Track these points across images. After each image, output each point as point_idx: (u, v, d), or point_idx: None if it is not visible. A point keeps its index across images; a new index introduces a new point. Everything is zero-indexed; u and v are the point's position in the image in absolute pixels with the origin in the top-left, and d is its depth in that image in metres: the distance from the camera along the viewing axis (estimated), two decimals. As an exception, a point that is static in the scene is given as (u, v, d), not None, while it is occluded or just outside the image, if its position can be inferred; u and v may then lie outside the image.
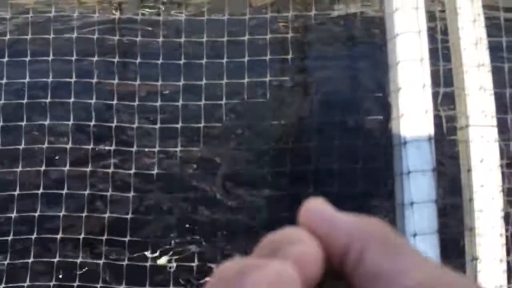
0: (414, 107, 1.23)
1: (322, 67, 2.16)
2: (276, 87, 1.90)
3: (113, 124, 1.56)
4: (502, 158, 1.38)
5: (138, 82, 1.52)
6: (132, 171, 1.68)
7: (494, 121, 1.40)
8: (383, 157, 1.37)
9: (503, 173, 1.38)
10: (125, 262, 1.59)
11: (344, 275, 0.23)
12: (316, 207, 0.24)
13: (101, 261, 1.69)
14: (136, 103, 1.56)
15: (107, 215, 1.70)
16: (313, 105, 2.10)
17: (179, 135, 1.63)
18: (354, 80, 2.11)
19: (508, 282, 1.37)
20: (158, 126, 1.60)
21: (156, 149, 1.66)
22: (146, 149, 1.69)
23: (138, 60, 1.53)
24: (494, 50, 1.32)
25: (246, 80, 1.54)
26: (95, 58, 1.57)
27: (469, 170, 1.37)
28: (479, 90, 1.32)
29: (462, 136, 1.42)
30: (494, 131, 1.39)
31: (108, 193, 1.71)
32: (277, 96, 1.81)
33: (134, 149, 1.68)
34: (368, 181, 1.67)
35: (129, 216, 1.69)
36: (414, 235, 1.19)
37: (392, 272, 0.21)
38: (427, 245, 1.20)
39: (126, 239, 1.65)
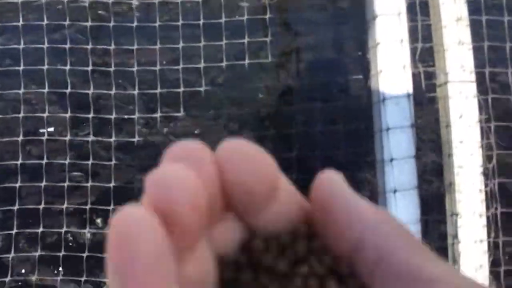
0: (392, 62, 1.23)
1: (305, 32, 2.13)
2: (255, 53, 1.88)
3: (90, 91, 1.52)
4: (481, 113, 1.39)
5: (113, 46, 1.48)
6: (112, 139, 1.66)
7: (472, 77, 1.40)
8: (365, 117, 1.36)
9: (482, 128, 1.38)
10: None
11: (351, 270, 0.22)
12: (331, 185, 0.22)
13: (86, 230, 1.69)
14: (112, 68, 1.52)
15: (89, 184, 1.69)
16: (295, 69, 2.08)
17: (158, 101, 1.61)
18: (337, 42, 2.09)
19: (488, 237, 1.39)
20: (136, 92, 1.57)
21: (136, 116, 1.64)
22: (126, 116, 1.66)
23: (112, 24, 1.49)
24: (472, 3, 1.31)
25: (224, 42, 1.51)
26: (67, 22, 1.53)
27: (447, 126, 1.38)
28: (458, 44, 1.32)
29: (441, 92, 1.42)
30: (473, 87, 1.39)
31: (89, 162, 1.69)
32: (257, 62, 1.79)
33: (113, 116, 1.65)
34: (351, 141, 1.67)
35: (111, 185, 1.68)
36: (395, 191, 1.19)
37: (424, 277, 0.20)
38: (407, 201, 1.20)
39: (110, 207, 1.64)
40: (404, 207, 1.19)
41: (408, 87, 1.22)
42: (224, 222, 0.22)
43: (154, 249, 0.18)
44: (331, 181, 0.23)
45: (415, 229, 1.20)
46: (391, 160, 1.19)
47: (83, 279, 1.56)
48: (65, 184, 1.62)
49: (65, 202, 1.63)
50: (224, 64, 1.68)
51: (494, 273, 1.34)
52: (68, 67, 1.54)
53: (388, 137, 1.20)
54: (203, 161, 0.21)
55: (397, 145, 1.20)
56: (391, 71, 1.22)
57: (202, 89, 1.73)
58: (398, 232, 0.22)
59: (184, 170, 0.19)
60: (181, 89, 1.61)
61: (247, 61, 1.68)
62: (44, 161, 1.64)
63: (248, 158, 0.21)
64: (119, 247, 0.18)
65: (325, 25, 2.05)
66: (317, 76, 1.95)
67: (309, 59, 2.00)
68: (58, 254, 1.59)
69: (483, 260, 1.37)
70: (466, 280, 0.21)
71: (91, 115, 1.62)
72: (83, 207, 1.64)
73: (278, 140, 1.85)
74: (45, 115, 1.61)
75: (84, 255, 1.57)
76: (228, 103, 1.87)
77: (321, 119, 1.78)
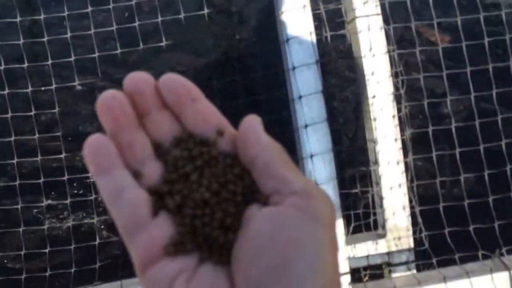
0: (293, 3, 1.28)
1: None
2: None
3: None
4: (389, 44, 1.46)
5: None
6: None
7: (378, 10, 1.46)
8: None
9: (391, 57, 1.46)
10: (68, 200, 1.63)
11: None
12: (250, 126, 0.35)
13: (67, 201, 1.69)
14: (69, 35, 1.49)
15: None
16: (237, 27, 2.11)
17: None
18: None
19: (405, 157, 1.49)
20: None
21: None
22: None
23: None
24: None
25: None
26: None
27: (360, 58, 1.45)
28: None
29: (351, 28, 1.48)
30: (379, 19, 1.45)
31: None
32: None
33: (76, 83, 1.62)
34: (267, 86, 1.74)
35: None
36: (306, 126, 1.27)
37: (285, 179, 0.32)
38: (319, 134, 1.29)
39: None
40: (316, 140, 1.27)
41: (310, 25, 1.28)
42: (161, 115, 0.36)
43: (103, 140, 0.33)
44: (251, 120, 0.35)
45: (328, 158, 1.28)
46: (300, 97, 1.27)
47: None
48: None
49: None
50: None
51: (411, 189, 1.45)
52: None
53: (295, 76, 1.27)
54: (148, 78, 0.36)
55: (305, 82, 1.27)
56: (292, 11, 1.27)
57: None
58: (280, 154, 0.34)
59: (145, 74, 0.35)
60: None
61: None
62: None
63: (178, 78, 0.35)
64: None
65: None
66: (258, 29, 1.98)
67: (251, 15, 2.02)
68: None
69: (402, 179, 1.48)
70: (310, 183, 0.33)
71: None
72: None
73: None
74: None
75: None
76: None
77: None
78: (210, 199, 0.32)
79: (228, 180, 0.33)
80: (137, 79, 0.35)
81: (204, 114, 0.36)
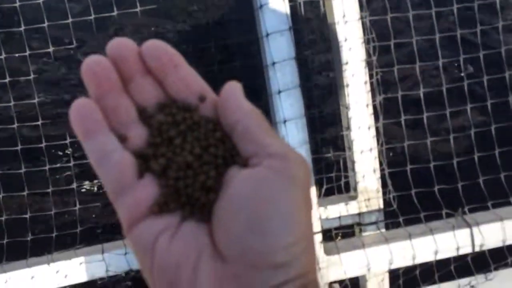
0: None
1: None
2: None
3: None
4: (362, 10, 1.48)
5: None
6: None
7: (351, -24, 1.47)
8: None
9: (363, 24, 1.49)
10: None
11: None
12: (231, 93, 0.36)
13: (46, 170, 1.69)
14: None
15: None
16: None
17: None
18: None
19: (376, 122, 1.54)
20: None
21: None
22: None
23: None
24: None
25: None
26: None
27: (333, 24, 1.48)
28: None
29: (325, -6, 1.50)
30: (352, -14, 1.47)
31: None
32: None
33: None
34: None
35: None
36: (279, 92, 1.30)
37: (264, 143, 0.35)
38: (292, 99, 1.32)
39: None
40: (289, 106, 1.31)
41: (283, -7, 1.29)
42: (145, 81, 0.37)
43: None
44: (232, 86, 0.37)
45: (301, 123, 1.32)
46: (273, 63, 1.29)
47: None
48: None
49: None
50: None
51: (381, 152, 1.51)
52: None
53: (269, 43, 1.29)
54: (131, 44, 0.37)
55: (278, 49, 1.29)
56: (265, -22, 1.28)
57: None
58: (259, 119, 0.36)
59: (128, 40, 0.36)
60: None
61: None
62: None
63: (161, 44, 0.37)
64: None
65: None
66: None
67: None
68: None
69: (373, 143, 1.54)
70: (287, 147, 0.35)
71: None
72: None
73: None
74: None
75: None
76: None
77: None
78: (193, 162, 0.34)
79: (210, 144, 0.35)
80: (120, 45, 0.36)
81: (187, 80, 0.37)
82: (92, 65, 0.35)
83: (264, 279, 0.31)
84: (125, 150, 0.35)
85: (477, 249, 1.29)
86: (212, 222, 0.34)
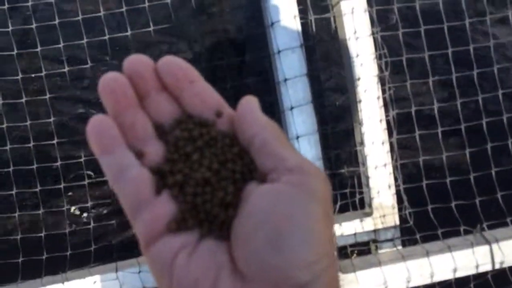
0: (278, -12, 1.29)
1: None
2: None
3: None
4: (373, 26, 1.48)
5: None
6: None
7: (362, -7, 1.48)
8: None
9: (375, 40, 1.49)
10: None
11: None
12: (247, 107, 0.36)
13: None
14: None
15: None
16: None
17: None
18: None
19: (390, 137, 1.53)
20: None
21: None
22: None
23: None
24: None
25: None
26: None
27: (344, 41, 1.48)
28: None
29: (336, 11, 1.51)
30: (364, 2, 1.48)
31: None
32: None
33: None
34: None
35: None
36: (291, 108, 1.30)
37: (282, 157, 0.34)
38: (304, 115, 1.32)
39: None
40: (302, 122, 1.31)
41: (294, 10, 1.30)
42: (161, 97, 0.37)
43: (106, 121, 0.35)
44: (249, 101, 0.37)
45: (313, 139, 1.32)
46: (285, 80, 1.29)
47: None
48: None
49: None
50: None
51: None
52: None
53: (280, 59, 1.29)
54: (147, 60, 0.37)
55: (289, 65, 1.30)
56: (278, -3, 1.29)
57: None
58: (276, 133, 0.36)
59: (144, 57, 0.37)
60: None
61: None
62: None
63: (176, 60, 0.37)
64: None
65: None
66: None
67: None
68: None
69: (387, 159, 1.53)
70: (305, 161, 0.35)
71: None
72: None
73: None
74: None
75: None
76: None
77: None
78: (210, 178, 0.34)
79: (228, 159, 0.35)
80: (137, 61, 0.36)
81: (202, 95, 0.37)
82: (109, 82, 0.35)
83: None
84: (142, 166, 0.35)
85: (497, 266, 1.26)
86: (231, 239, 0.33)
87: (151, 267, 0.34)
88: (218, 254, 0.33)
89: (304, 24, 1.41)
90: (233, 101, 0.38)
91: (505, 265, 1.25)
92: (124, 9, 1.46)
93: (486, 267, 1.25)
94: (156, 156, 0.36)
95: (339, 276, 1.16)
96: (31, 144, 1.46)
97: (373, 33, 1.49)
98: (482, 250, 1.26)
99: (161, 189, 0.34)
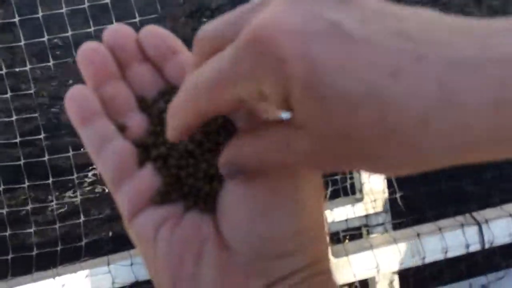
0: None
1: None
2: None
3: None
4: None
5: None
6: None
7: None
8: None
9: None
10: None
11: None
12: None
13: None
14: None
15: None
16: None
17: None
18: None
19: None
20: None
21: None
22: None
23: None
24: None
25: None
26: None
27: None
28: None
29: None
30: None
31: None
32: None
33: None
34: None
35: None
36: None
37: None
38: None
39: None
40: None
41: None
42: (143, 68, 0.35)
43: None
44: None
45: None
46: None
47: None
48: None
49: None
50: None
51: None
52: None
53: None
54: (129, 30, 0.35)
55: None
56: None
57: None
58: None
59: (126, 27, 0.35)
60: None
61: None
62: None
63: (159, 30, 0.35)
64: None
65: None
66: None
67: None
68: None
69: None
70: None
71: None
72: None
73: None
74: None
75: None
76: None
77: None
78: (194, 150, 0.33)
79: (211, 131, 0.34)
80: (117, 31, 0.35)
81: (186, 66, 0.35)
82: (89, 52, 0.34)
83: (270, 268, 0.30)
84: (125, 139, 0.34)
85: (487, 246, 1.27)
86: (216, 211, 0.33)
87: (136, 241, 0.33)
88: (202, 226, 0.32)
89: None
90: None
91: (495, 244, 1.27)
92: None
93: (476, 246, 1.27)
94: (139, 129, 0.34)
95: (329, 251, 1.16)
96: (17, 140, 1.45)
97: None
98: (472, 230, 1.28)
99: (144, 162, 0.33)
